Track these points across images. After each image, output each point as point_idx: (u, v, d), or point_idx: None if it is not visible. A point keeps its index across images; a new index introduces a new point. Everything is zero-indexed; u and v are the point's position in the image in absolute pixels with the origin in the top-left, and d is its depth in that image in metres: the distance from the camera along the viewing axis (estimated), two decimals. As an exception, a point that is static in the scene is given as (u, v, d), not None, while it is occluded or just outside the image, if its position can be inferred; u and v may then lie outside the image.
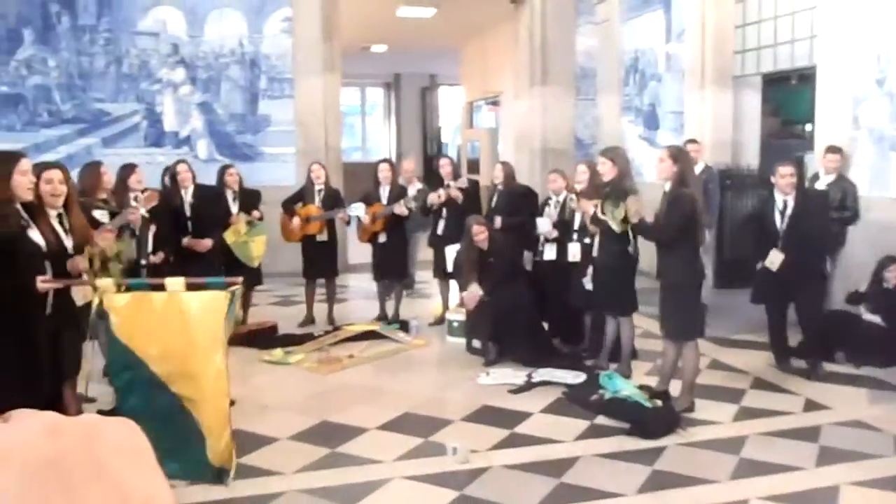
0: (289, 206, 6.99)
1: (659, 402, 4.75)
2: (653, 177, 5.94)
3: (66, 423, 0.40)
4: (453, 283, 7.08)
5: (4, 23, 8.89)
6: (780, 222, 5.49)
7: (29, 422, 0.38)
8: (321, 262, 7.02)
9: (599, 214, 5.15)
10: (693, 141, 7.55)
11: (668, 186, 4.71)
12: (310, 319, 7.13)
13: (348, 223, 7.14)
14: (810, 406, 4.93)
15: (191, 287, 3.71)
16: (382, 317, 7.18)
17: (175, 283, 3.71)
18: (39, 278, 3.59)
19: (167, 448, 3.05)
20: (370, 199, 7.00)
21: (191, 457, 3.66)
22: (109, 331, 3.64)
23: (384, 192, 7.03)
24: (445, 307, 7.13)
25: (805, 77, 8.06)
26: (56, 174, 3.87)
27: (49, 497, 0.35)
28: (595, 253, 5.48)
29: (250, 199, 6.75)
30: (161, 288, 3.72)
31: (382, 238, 7.02)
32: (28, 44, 8.97)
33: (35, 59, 9.00)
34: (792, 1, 7.85)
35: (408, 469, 3.99)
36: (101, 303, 3.66)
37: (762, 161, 8.63)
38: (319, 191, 6.98)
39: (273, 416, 4.78)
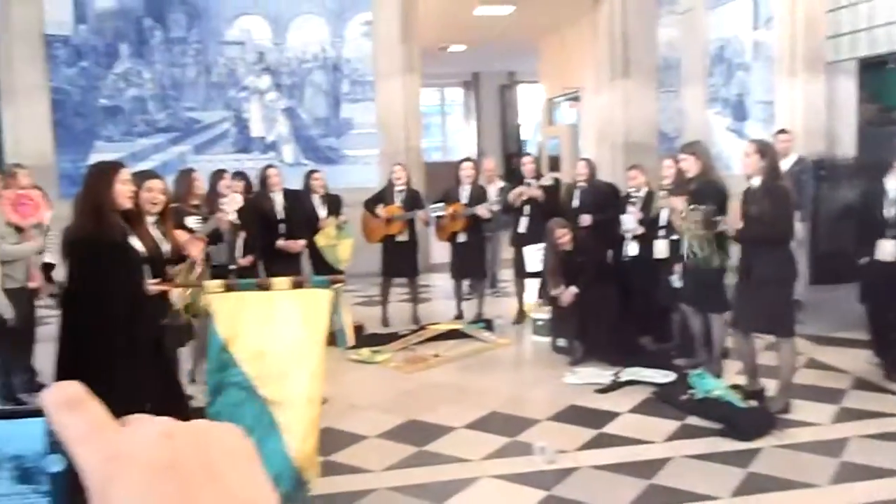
0: (371, 205, 7.10)
1: (753, 402, 4.61)
2: (741, 170, 5.77)
3: (180, 428, 0.41)
4: (529, 283, 7.06)
5: (103, 39, 9.34)
6: (891, 212, 5.22)
7: (147, 426, 0.40)
8: (401, 261, 7.09)
9: (682, 226, 5.00)
10: (784, 131, 7.27)
11: (756, 181, 4.57)
12: (385, 320, 7.21)
13: (428, 224, 7.19)
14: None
15: (296, 285, 3.75)
16: (459, 316, 7.20)
17: (281, 282, 3.75)
18: (149, 281, 3.75)
19: None
20: (450, 197, 7.04)
21: (271, 464, 3.66)
22: (210, 330, 3.71)
23: (464, 191, 7.05)
24: (521, 306, 7.11)
25: (905, 60, 7.66)
26: (157, 184, 4.06)
27: (167, 499, 0.36)
28: (684, 251, 5.34)
29: (334, 204, 6.89)
30: (266, 287, 3.78)
31: (462, 237, 7.04)
32: (124, 58, 9.40)
33: (131, 72, 9.43)
34: (890, -19, 7.46)
35: (495, 468, 4.00)
36: (204, 304, 3.75)
37: (859, 150, 8.25)
38: (400, 191, 7.06)
39: (361, 414, 4.87)
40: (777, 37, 8.53)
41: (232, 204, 5.42)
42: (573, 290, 5.83)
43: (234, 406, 3.62)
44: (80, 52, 9.31)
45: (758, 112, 9.09)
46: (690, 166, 5.21)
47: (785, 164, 6.79)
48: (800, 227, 6.88)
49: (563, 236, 5.89)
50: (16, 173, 5.74)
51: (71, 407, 0.43)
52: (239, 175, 6.47)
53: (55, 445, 0.44)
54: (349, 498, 3.71)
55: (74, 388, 0.44)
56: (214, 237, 5.42)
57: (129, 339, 3.58)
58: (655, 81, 10.69)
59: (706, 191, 5.07)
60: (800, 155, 7.28)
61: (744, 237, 4.66)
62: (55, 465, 0.44)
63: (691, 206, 4.94)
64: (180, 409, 3.96)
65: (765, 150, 4.56)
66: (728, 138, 9.56)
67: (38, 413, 0.44)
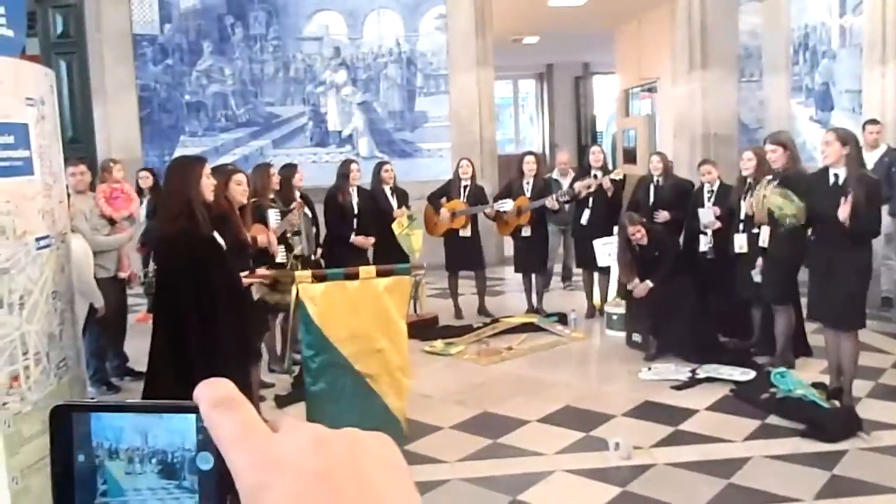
0: (434, 200, 7.14)
1: (837, 403, 4.47)
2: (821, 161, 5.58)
3: (332, 436, 0.42)
4: (597, 277, 7.01)
5: (187, 37, 9.67)
6: None
7: (301, 431, 0.40)
8: (465, 256, 7.11)
9: (774, 212, 4.85)
10: (873, 121, 6.98)
11: (839, 171, 4.40)
12: (457, 313, 7.25)
13: (494, 218, 7.20)
14: None
15: (381, 273, 4.03)
16: (531, 309, 7.19)
17: (367, 271, 4.04)
18: (242, 275, 3.87)
19: (351, 423, 3.32)
20: (512, 190, 7.03)
21: (376, 419, 3.93)
22: (305, 319, 3.89)
23: (528, 184, 7.03)
24: (590, 299, 7.08)
25: None
26: (243, 177, 4.20)
27: None
28: (765, 244, 5.21)
29: (402, 197, 6.98)
30: (355, 277, 4.01)
31: (526, 231, 7.02)
32: (207, 55, 9.70)
33: (213, 68, 9.73)
34: None
35: (569, 463, 3.99)
36: (297, 292, 3.90)
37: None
38: (465, 186, 7.08)
39: (436, 405, 4.93)
40: (866, 22, 8.18)
41: (297, 210, 5.54)
42: (648, 283, 5.75)
43: (334, 382, 3.94)
44: (166, 51, 9.65)
45: (844, 102, 8.75)
46: (777, 157, 5.05)
47: (874, 156, 6.53)
48: (889, 222, 6.61)
49: (637, 233, 5.81)
50: (111, 167, 6.01)
51: (225, 407, 0.43)
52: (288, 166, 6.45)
53: (205, 443, 0.44)
54: (424, 488, 3.76)
55: (228, 388, 0.44)
56: (293, 231, 5.58)
57: (228, 333, 3.66)
58: (736, 71, 10.39)
59: (793, 183, 4.92)
60: (889, 146, 6.97)
61: (857, 229, 4.32)
62: (205, 462, 0.44)
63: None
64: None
65: (846, 139, 4.38)
66: (812, 129, 9.23)
67: (188, 409, 0.44)
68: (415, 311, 6.84)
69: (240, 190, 4.14)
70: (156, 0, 9.57)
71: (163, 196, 3.87)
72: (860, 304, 4.49)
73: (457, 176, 7.16)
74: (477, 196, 7.12)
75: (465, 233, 7.06)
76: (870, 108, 8.03)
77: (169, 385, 3.47)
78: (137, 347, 5.15)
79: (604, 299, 7.00)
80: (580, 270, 7.53)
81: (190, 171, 3.78)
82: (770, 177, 5.09)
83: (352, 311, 3.91)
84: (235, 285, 3.78)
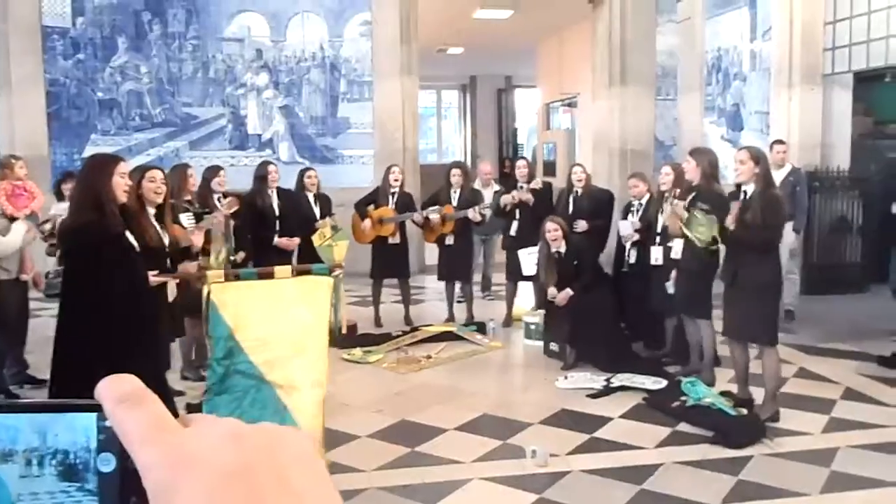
0: (361, 207, 7.07)
1: (744, 411, 4.63)
2: (733, 179, 5.81)
3: (249, 430, 0.39)
4: (522, 286, 7.09)
5: (100, 32, 9.31)
6: None
7: (213, 427, 0.37)
8: (392, 263, 7.07)
9: (684, 230, 4.98)
10: (780, 142, 7.31)
11: (749, 188, 4.58)
12: (377, 320, 7.20)
13: (422, 226, 7.20)
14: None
15: (298, 273, 3.80)
16: (450, 318, 7.20)
17: (283, 270, 3.79)
18: (151, 273, 3.72)
19: None
20: (440, 199, 7.05)
21: None
22: (214, 320, 3.65)
23: (455, 195, 7.06)
24: (510, 310, 7.15)
25: (900, 75, 7.72)
26: (158, 174, 4.05)
27: None
28: (678, 256, 5.36)
29: (325, 203, 6.89)
30: (269, 276, 3.79)
31: (450, 240, 7.05)
32: (122, 51, 9.37)
33: (128, 65, 9.40)
34: (887, -5, 7.53)
35: (487, 470, 4.00)
36: (208, 293, 3.72)
37: (853, 163, 8.31)
38: (393, 193, 7.06)
39: (353, 414, 4.86)
40: (775, 48, 8.59)
41: (230, 206, 5.42)
42: (569, 291, 5.84)
43: (240, 393, 3.66)
44: (78, 45, 9.27)
45: (754, 122, 9.15)
46: (690, 170, 5.22)
47: (780, 175, 6.83)
48: (793, 238, 6.92)
49: (554, 231, 5.90)
50: (13, 164, 5.71)
51: (132, 403, 0.40)
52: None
53: (106, 443, 0.41)
54: (341, 497, 3.69)
55: (134, 383, 0.41)
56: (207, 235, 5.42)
57: (127, 333, 3.55)
58: (653, 89, 10.73)
59: (708, 198, 5.09)
60: (794, 165, 7.32)
61: (733, 240, 4.68)
62: (106, 464, 0.41)
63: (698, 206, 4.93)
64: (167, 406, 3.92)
65: (759, 157, 4.58)
66: (723, 148, 9.59)
67: (89, 408, 0.41)
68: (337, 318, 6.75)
69: (152, 187, 3.99)
70: (68, -8, 9.20)
71: (74, 189, 3.71)
72: (770, 317, 4.65)
73: (386, 182, 7.10)
74: (406, 203, 7.09)
75: (395, 240, 7.02)
76: (777, 129, 8.43)
77: (71, 385, 3.33)
78: (39, 354, 4.91)
79: (536, 307, 7.05)
80: (498, 280, 7.59)
81: (102, 168, 3.67)
82: (678, 190, 5.25)
83: (266, 315, 3.67)
84: (138, 285, 3.65)
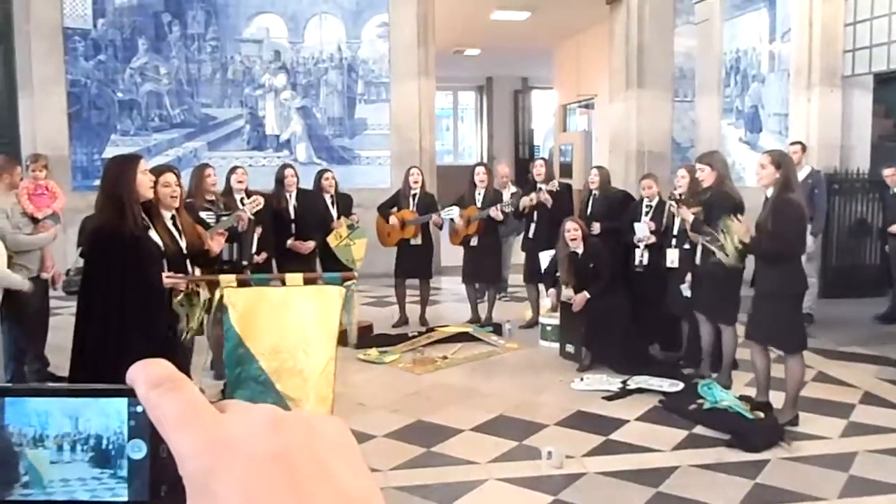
0: (385, 210, 7.09)
1: (761, 414, 4.61)
2: (754, 181, 5.78)
3: (287, 417, 0.39)
4: (542, 288, 7.08)
5: (121, 33, 9.40)
6: None
7: (252, 412, 0.37)
8: (415, 264, 7.10)
9: (707, 244, 4.93)
10: (795, 143, 7.27)
11: (770, 192, 4.56)
12: (403, 320, 7.24)
13: (441, 227, 7.22)
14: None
15: (308, 281, 3.77)
16: (475, 320, 7.21)
17: (294, 277, 3.78)
18: (165, 274, 3.76)
19: None
20: (464, 201, 7.06)
21: None
22: (226, 325, 3.69)
23: (479, 195, 7.08)
24: (535, 311, 7.14)
25: (921, 76, 7.64)
26: (172, 177, 4.07)
27: (276, 493, 0.34)
28: (698, 260, 5.33)
29: (345, 203, 6.91)
30: (281, 282, 3.79)
31: (474, 241, 7.06)
32: (142, 52, 9.45)
33: (148, 66, 9.48)
34: (908, -3, 7.46)
35: (502, 471, 4.00)
36: (220, 297, 3.74)
37: (872, 165, 8.23)
38: (414, 195, 7.07)
39: (369, 414, 4.88)
40: (794, 49, 8.53)
41: (254, 205, 5.44)
42: (585, 294, 5.83)
43: (251, 398, 3.65)
44: (99, 46, 9.37)
45: (772, 124, 9.09)
46: (706, 176, 5.20)
47: (798, 177, 6.78)
48: (811, 241, 6.87)
49: (573, 231, 5.89)
50: (38, 161, 5.77)
51: (167, 387, 0.40)
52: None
53: (137, 429, 0.41)
54: (377, 482, 3.70)
55: (168, 368, 0.41)
56: (230, 236, 5.45)
57: (143, 333, 3.59)
58: (670, 91, 10.70)
59: (720, 201, 5.07)
60: (813, 168, 7.27)
61: (755, 250, 4.65)
62: (137, 451, 0.41)
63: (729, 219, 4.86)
64: None
65: (780, 162, 4.54)
66: (741, 150, 9.56)
67: (121, 392, 0.41)
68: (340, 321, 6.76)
69: (167, 192, 4.02)
70: (89, -6, 9.29)
71: (98, 193, 3.76)
72: (796, 323, 4.61)
73: (406, 184, 7.12)
74: (427, 204, 7.11)
75: (417, 241, 7.04)
76: (796, 131, 8.37)
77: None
78: (60, 351, 4.96)
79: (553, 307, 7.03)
80: (514, 282, 7.59)
81: (125, 167, 3.70)
82: (679, 194, 5.27)
83: (275, 322, 3.67)
84: (154, 286, 3.69)
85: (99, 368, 3.49)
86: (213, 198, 5.63)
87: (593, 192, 6.76)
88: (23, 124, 9.25)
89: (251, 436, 0.39)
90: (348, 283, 3.80)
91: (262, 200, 5.53)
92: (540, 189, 6.90)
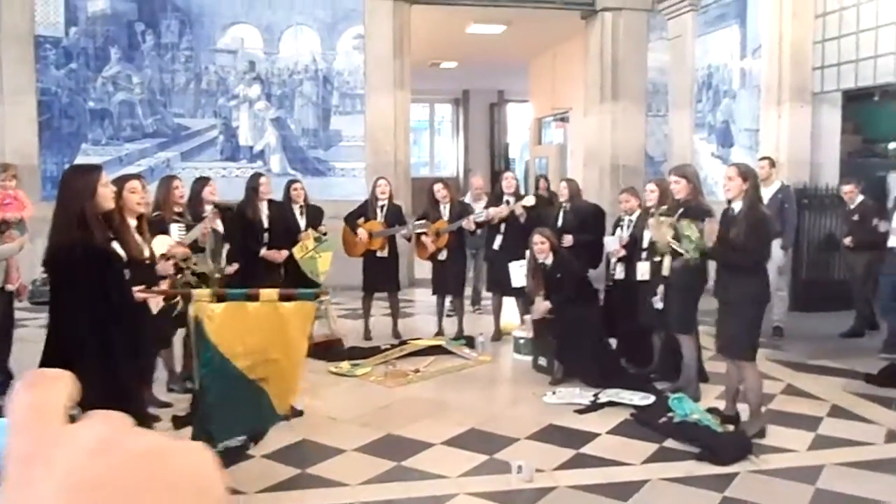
0: (351, 220, 7.06)
1: (731, 427, 4.63)
2: (723, 195, 5.85)
3: (124, 443, 0.37)
4: (508, 300, 7.10)
5: (93, 42, 9.32)
6: None
7: (91, 431, 0.36)
8: (382, 276, 7.06)
9: (673, 244, 4.98)
10: (764, 158, 7.35)
11: (737, 205, 4.60)
12: (367, 334, 7.18)
13: (409, 240, 7.20)
14: (893, 437, 4.72)
15: (282, 297, 3.81)
16: (440, 332, 7.20)
17: (268, 293, 3.81)
18: (136, 289, 3.68)
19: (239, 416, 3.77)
20: (429, 217, 7.05)
21: (265, 415, 3.93)
22: (200, 335, 3.69)
23: (445, 210, 7.07)
24: (498, 323, 7.14)
25: (888, 94, 7.78)
26: (138, 184, 4.02)
27: None
28: (665, 272, 5.37)
29: (315, 215, 6.86)
30: (255, 298, 3.79)
31: (443, 255, 7.05)
32: (114, 61, 9.37)
33: (121, 76, 9.41)
34: (875, 16, 7.60)
35: (472, 486, 3.98)
36: (195, 310, 3.70)
37: (841, 180, 8.35)
38: (382, 206, 7.05)
39: (339, 427, 4.84)
40: (764, 66, 8.65)
41: (213, 219, 5.41)
42: (546, 303, 5.83)
43: (227, 391, 3.75)
44: (70, 55, 9.28)
45: (743, 139, 9.20)
46: (680, 189, 5.24)
47: (768, 192, 6.86)
48: (780, 255, 6.95)
49: (541, 244, 5.90)
50: (7, 171, 5.68)
51: (30, 386, 0.40)
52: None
53: None
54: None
55: (55, 372, 0.41)
56: (195, 246, 5.39)
57: (112, 347, 3.52)
58: (644, 105, 10.81)
59: (694, 213, 5.11)
60: (783, 183, 7.36)
61: (719, 259, 4.70)
62: None
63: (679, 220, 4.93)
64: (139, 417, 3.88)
65: (747, 174, 4.59)
66: (713, 164, 9.67)
67: None
68: (310, 335, 6.72)
69: (134, 199, 3.96)
70: (61, 1, 9.20)
71: (56, 206, 3.63)
72: (750, 332, 4.65)
73: (374, 196, 7.10)
74: (395, 216, 7.09)
75: (383, 253, 7.01)
76: (766, 146, 8.48)
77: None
78: (25, 364, 4.87)
79: (522, 321, 7.04)
80: (488, 294, 7.58)
81: (85, 179, 3.61)
82: (664, 207, 5.29)
83: (249, 331, 3.75)
84: (124, 299, 3.61)
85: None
86: (182, 209, 5.57)
87: (563, 204, 6.78)
88: (-9, 132, 9.13)
89: (74, 459, 0.38)
90: (322, 299, 3.88)
91: (218, 214, 5.48)
92: (508, 201, 6.91)
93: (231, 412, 3.79)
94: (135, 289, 3.73)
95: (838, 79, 8.16)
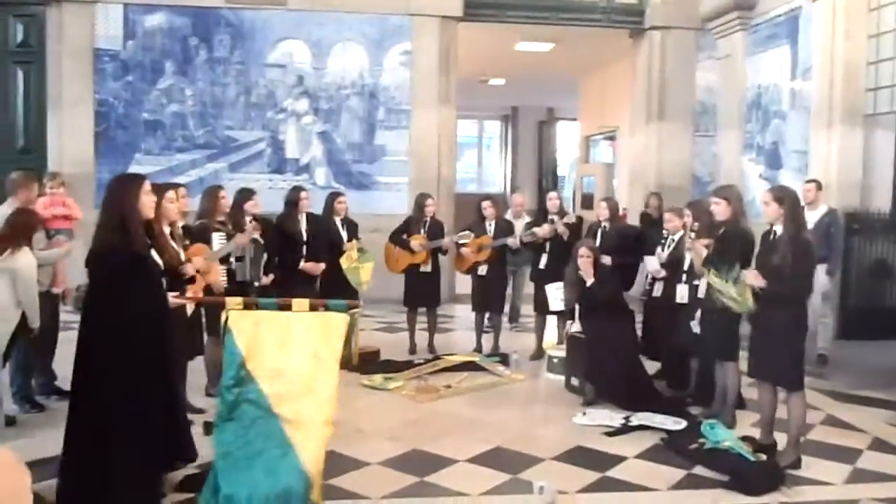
0: (397, 237, 7.11)
1: (763, 456, 4.51)
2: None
3: None
4: (551, 319, 7.04)
5: (150, 55, 9.61)
6: None
7: None
8: (424, 291, 7.10)
9: (714, 283, 4.83)
10: (810, 181, 7.17)
11: (779, 228, 4.50)
12: (412, 349, 7.22)
13: (446, 252, 7.22)
14: (936, 473, 4.54)
15: (314, 308, 3.75)
16: (478, 349, 7.19)
17: (300, 303, 3.76)
18: (171, 295, 3.77)
19: (255, 474, 3.35)
20: (474, 231, 7.07)
21: (286, 478, 3.48)
22: (229, 346, 3.64)
23: (490, 227, 7.09)
24: (540, 342, 7.09)
25: (945, 117, 7.52)
26: (173, 194, 4.13)
27: None
28: (701, 294, 5.27)
29: (352, 228, 6.95)
30: (287, 308, 3.76)
31: (482, 270, 7.05)
32: (168, 74, 9.65)
33: (174, 88, 9.68)
34: (932, 37, 7.39)
35: (493, 505, 3.95)
36: (226, 319, 3.71)
37: (894, 205, 8.11)
38: (425, 222, 7.09)
39: (367, 440, 4.86)
40: (815, 86, 8.46)
41: (253, 231, 5.54)
42: (574, 328, 5.80)
43: (248, 422, 3.60)
44: (127, 67, 9.58)
45: (792, 161, 9.00)
46: (721, 210, 5.13)
47: (814, 216, 6.70)
48: (826, 281, 6.77)
49: (586, 255, 5.86)
50: (55, 179, 5.90)
51: None
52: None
53: None
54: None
55: None
56: (236, 256, 5.52)
57: (146, 352, 3.59)
58: (691, 125, 10.67)
59: (733, 237, 5.01)
60: (830, 206, 7.18)
61: (765, 293, 4.54)
62: None
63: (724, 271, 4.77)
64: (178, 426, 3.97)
65: (783, 198, 4.48)
66: (761, 186, 9.45)
67: None
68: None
69: (172, 208, 4.08)
70: (120, 16, 9.53)
71: (100, 211, 3.77)
72: (796, 361, 4.52)
73: (420, 211, 7.13)
74: (437, 231, 7.13)
75: (427, 268, 7.05)
76: (816, 169, 8.27)
77: (92, 398, 3.41)
78: (68, 366, 5.01)
79: (559, 340, 6.98)
80: (526, 312, 7.55)
81: (128, 187, 3.73)
82: (693, 231, 5.20)
83: (280, 346, 3.64)
84: (160, 305, 3.70)
85: (108, 386, 3.49)
86: (224, 219, 5.70)
87: (603, 223, 6.72)
88: (50, 141, 9.48)
89: None
90: (353, 311, 3.80)
91: (259, 228, 5.61)
92: (552, 220, 6.88)
93: (245, 453, 3.50)
94: (170, 295, 3.83)
95: (892, 100, 7.93)
